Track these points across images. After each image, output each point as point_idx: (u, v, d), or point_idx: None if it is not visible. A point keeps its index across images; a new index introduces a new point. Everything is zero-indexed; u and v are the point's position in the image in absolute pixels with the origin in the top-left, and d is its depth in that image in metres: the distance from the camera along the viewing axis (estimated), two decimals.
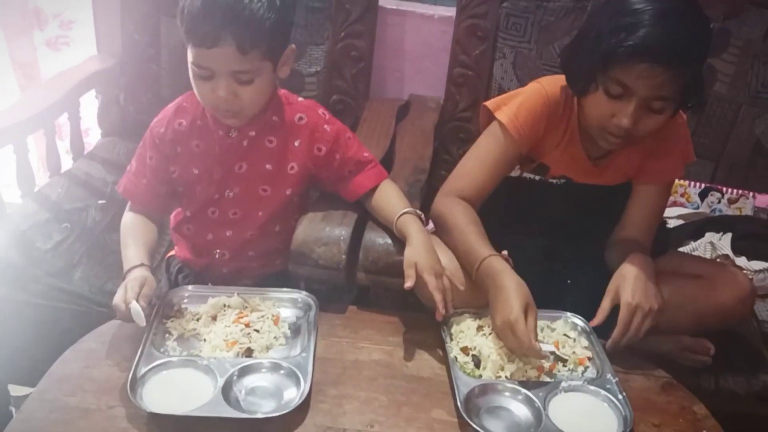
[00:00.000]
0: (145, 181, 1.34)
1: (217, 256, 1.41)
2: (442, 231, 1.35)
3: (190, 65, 1.20)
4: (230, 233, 1.39)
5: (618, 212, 1.41)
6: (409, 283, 1.18)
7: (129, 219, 1.34)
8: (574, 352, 1.22)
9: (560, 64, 1.33)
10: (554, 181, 1.40)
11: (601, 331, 1.25)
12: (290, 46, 1.25)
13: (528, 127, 1.33)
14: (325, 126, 1.34)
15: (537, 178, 1.40)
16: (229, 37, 1.13)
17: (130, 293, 1.15)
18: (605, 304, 1.23)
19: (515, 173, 1.43)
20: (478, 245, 1.25)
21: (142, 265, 1.23)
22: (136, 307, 1.13)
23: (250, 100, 1.22)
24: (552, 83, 1.35)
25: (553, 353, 1.18)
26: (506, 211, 1.41)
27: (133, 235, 1.31)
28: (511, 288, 1.16)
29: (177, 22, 1.19)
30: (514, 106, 1.34)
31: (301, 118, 1.33)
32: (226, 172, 1.33)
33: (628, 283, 1.22)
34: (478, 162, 1.36)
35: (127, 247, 1.28)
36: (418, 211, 1.30)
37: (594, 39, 1.21)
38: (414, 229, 1.25)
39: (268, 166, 1.34)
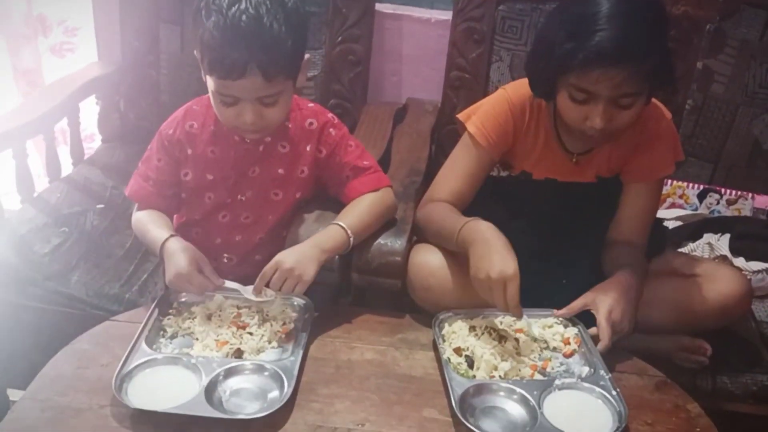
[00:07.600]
0: (150, 183, 1.34)
1: (225, 260, 1.42)
2: (425, 233, 1.37)
3: (212, 93, 1.21)
4: (239, 238, 1.40)
5: (609, 209, 1.41)
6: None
7: (141, 214, 1.35)
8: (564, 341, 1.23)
9: (524, 69, 1.34)
10: (540, 179, 1.41)
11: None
12: (306, 56, 1.26)
13: (495, 134, 1.36)
14: (331, 130, 1.36)
15: (523, 177, 1.40)
16: (254, 67, 1.14)
17: (200, 277, 1.21)
18: (576, 305, 1.24)
19: (503, 173, 1.44)
20: (456, 219, 1.27)
21: (172, 236, 1.25)
22: (230, 284, 1.24)
23: (275, 119, 1.24)
24: (515, 88, 1.38)
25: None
26: (496, 212, 1.41)
27: (151, 220, 1.32)
28: (502, 244, 1.17)
29: (196, 53, 1.20)
30: (481, 114, 1.37)
31: (311, 123, 1.35)
32: (240, 176, 1.35)
33: (608, 302, 1.20)
34: (452, 171, 1.40)
35: (149, 231, 1.30)
36: (348, 229, 1.27)
37: (547, 48, 1.22)
38: (313, 237, 1.26)
39: (280, 171, 1.35)
